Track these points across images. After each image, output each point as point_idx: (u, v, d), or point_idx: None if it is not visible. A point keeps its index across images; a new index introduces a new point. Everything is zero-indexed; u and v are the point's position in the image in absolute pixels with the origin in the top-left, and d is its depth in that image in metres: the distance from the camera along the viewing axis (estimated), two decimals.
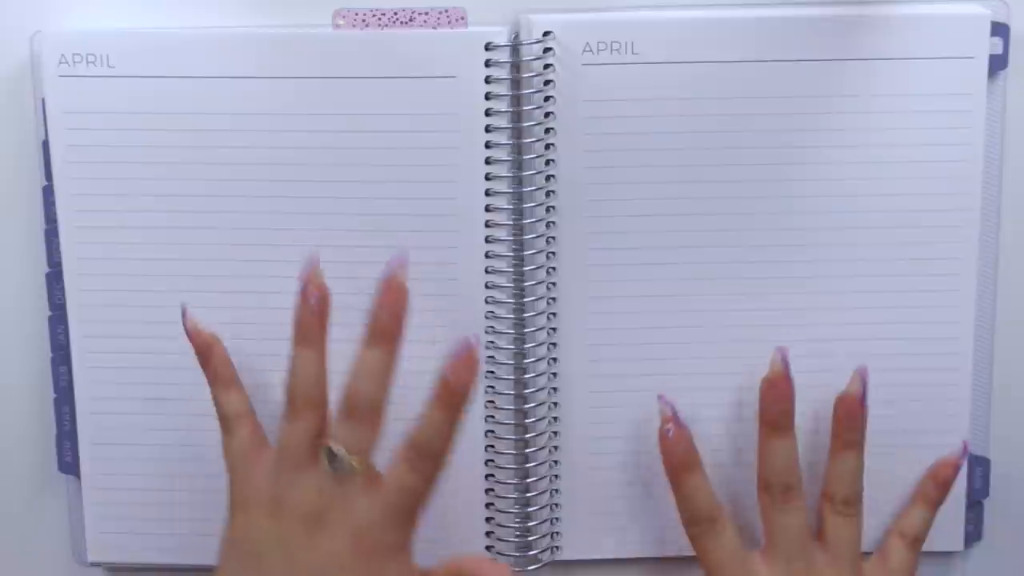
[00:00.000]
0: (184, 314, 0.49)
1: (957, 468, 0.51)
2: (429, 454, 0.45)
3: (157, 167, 0.50)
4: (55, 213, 0.51)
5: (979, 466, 0.53)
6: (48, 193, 0.51)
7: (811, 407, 0.51)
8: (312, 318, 0.46)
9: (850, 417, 0.50)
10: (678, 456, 0.49)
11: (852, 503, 0.50)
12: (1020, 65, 0.51)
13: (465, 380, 0.45)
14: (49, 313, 0.53)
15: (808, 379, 0.50)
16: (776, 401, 0.49)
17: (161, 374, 0.52)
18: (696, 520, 0.50)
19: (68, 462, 0.53)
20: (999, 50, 0.50)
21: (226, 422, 0.48)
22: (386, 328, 0.46)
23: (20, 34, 0.51)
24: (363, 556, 0.45)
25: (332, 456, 0.45)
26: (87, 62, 0.50)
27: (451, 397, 0.45)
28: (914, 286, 0.51)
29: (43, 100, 0.50)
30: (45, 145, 0.51)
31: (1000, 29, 0.50)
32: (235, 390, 0.49)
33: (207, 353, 0.49)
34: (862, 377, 0.50)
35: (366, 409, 0.45)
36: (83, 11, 0.51)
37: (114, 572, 0.55)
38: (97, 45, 0.50)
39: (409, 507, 0.45)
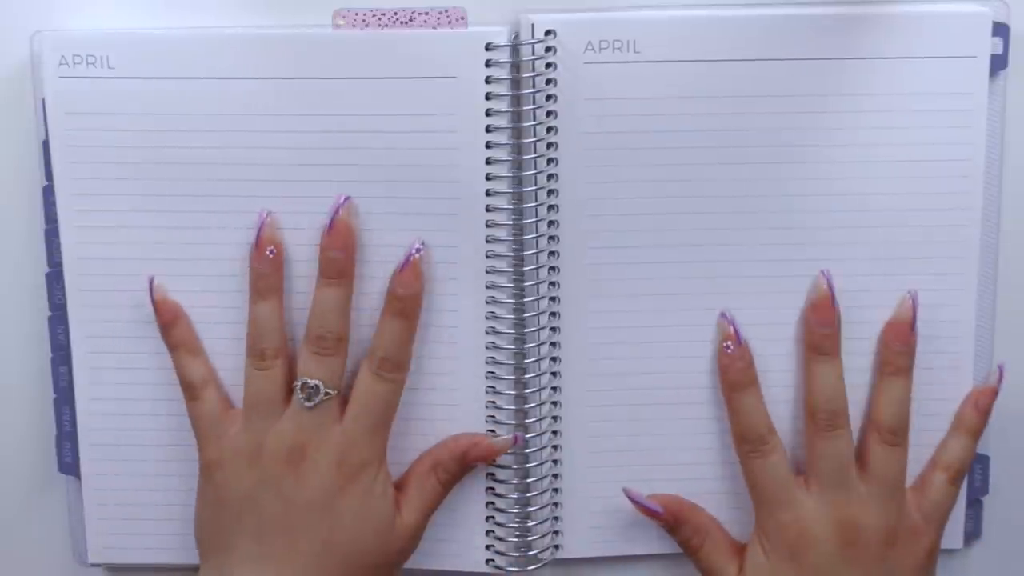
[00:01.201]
0: (151, 285, 0.50)
1: (995, 394, 0.51)
2: (392, 362, 0.49)
3: (157, 167, 0.50)
4: (55, 213, 0.51)
5: (979, 464, 0.53)
6: (48, 193, 0.51)
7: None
8: (270, 271, 0.49)
9: (899, 342, 0.49)
10: (735, 373, 0.50)
11: (899, 432, 0.49)
12: (1020, 65, 0.51)
13: (413, 289, 0.49)
14: (49, 313, 0.52)
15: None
16: (821, 324, 0.49)
17: (161, 374, 0.51)
18: (746, 439, 0.50)
19: (68, 462, 0.53)
20: (999, 50, 0.50)
21: (191, 388, 0.50)
22: (338, 266, 0.48)
23: (20, 34, 0.50)
24: (346, 476, 0.48)
25: (310, 390, 0.47)
26: (87, 63, 0.50)
27: (402, 305, 0.49)
28: (914, 285, 0.51)
29: (43, 100, 0.50)
30: (45, 145, 0.51)
31: (1000, 29, 0.50)
32: (201, 356, 0.51)
33: (173, 322, 0.50)
34: (912, 302, 0.49)
35: (332, 342, 0.48)
36: (83, 11, 0.51)
37: (114, 572, 0.55)
38: (97, 46, 0.50)
39: (381, 416, 0.49)
